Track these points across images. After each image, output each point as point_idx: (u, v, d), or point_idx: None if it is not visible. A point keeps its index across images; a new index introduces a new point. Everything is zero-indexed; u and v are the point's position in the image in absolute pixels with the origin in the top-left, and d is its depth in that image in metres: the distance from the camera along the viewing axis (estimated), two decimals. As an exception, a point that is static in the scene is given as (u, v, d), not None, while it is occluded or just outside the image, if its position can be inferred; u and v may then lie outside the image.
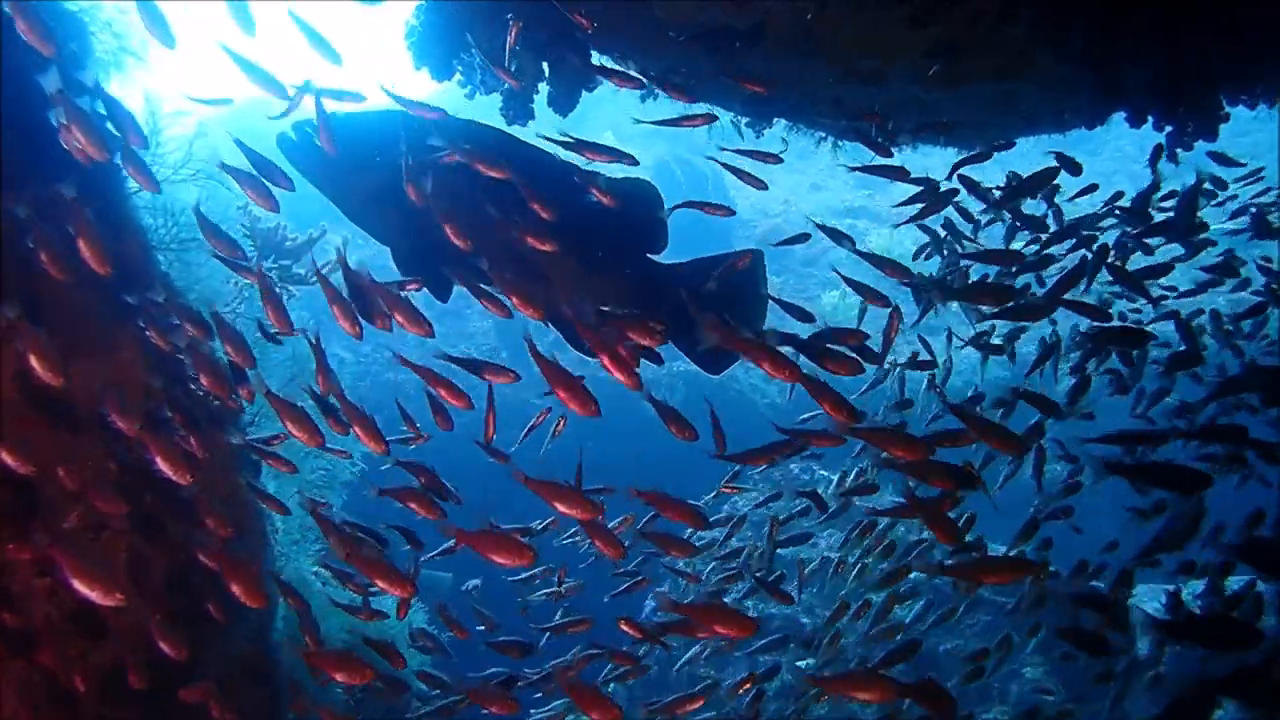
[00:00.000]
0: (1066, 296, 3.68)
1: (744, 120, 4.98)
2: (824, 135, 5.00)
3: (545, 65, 4.42)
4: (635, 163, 3.79)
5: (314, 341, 3.34)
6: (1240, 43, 2.92)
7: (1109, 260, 3.86)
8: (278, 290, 4.63)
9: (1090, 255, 3.94)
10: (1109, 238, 4.37)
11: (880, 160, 4.01)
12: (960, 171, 4.18)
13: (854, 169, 4.04)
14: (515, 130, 4.35)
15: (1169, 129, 3.23)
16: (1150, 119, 3.21)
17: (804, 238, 4.66)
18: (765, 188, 4.19)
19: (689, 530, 4.55)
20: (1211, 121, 3.10)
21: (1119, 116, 3.94)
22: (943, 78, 3.90)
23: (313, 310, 5.67)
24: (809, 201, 15.24)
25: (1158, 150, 3.44)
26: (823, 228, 4.22)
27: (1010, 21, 3.42)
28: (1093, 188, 4.65)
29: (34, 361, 2.73)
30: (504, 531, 3.10)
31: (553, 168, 3.93)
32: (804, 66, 3.88)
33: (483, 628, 4.69)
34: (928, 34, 3.60)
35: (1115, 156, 15.18)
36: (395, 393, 11.60)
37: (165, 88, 3.79)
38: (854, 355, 3.22)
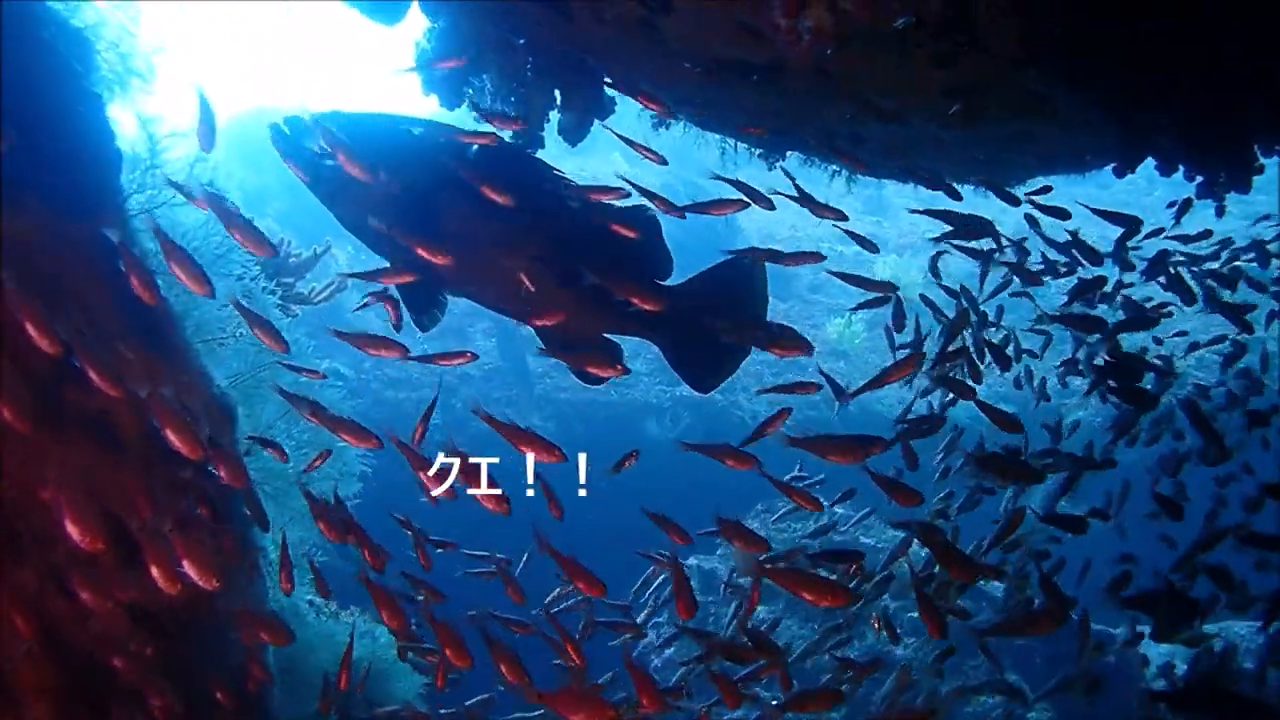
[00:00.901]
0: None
1: (757, 152, 4.91)
2: (838, 170, 4.92)
3: (557, 93, 4.36)
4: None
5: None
6: (1277, 91, 2.84)
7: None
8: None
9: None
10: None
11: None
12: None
13: (919, 211, 4.00)
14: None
15: (1199, 180, 3.15)
16: (1181, 169, 3.13)
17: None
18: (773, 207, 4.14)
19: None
20: (1244, 173, 3.01)
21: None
22: (961, 117, 3.83)
23: (313, 328, 5.58)
24: (817, 228, 15.17)
25: (1185, 204, 3.37)
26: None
27: (1033, 64, 3.34)
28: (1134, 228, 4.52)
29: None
30: (585, 690, 3.08)
31: (559, 188, 3.86)
32: (822, 102, 3.81)
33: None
34: (948, 74, 3.52)
35: (1128, 189, 15.10)
36: (394, 411, 11.51)
37: (166, 108, 3.72)
38: None
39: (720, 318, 4.05)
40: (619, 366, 3.42)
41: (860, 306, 4.37)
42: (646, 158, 3.79)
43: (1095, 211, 4.23)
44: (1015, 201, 4.00)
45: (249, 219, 2.92)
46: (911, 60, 3.39)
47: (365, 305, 3.62)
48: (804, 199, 3.60)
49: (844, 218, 3.63)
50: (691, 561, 9.47)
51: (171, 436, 2.73)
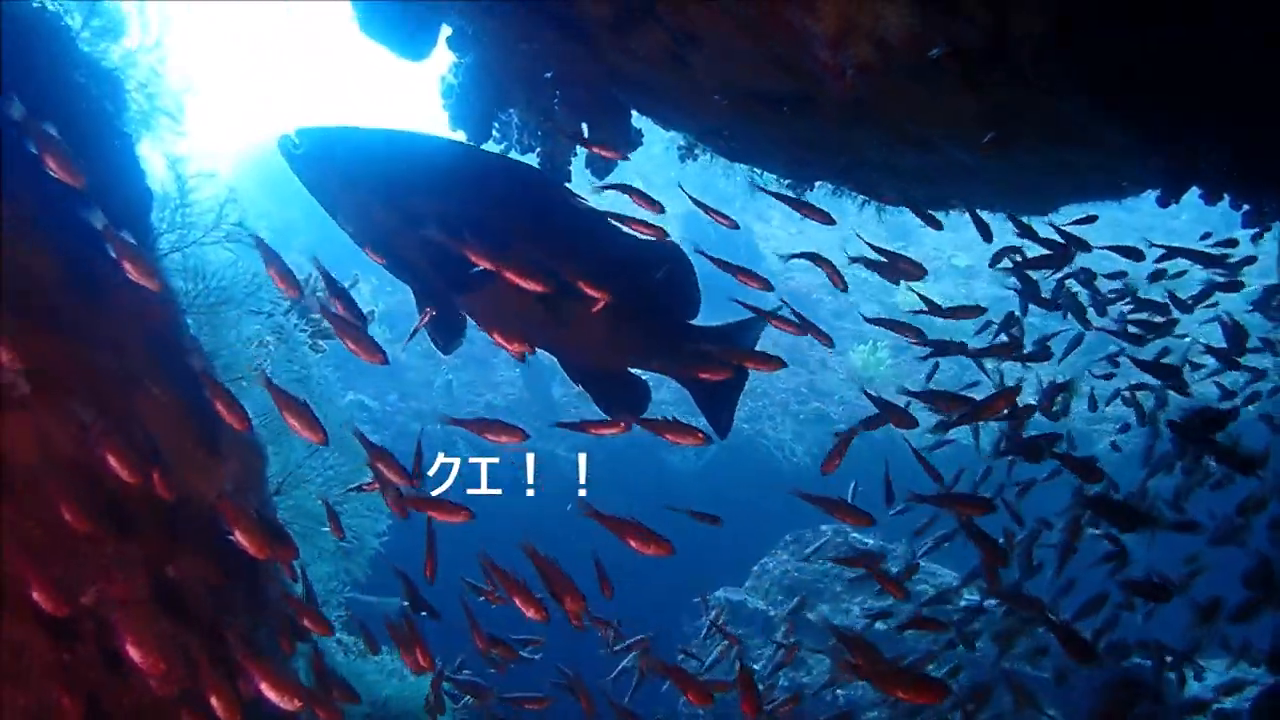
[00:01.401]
0: None
1: (786, 182, 4.87)
2: (866, 199, 4.87)
3: (584, 126, 4.34)
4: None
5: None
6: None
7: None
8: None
9: None
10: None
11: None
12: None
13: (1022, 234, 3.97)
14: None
15: (1246, 208, 3.08)
16: (1226, 197, 3.06)
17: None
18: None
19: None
20: (1293, 201, 2.95)
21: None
22: (997, 145, 3.77)
23: (338, 360, 5.56)
24: (840, 254, 15.11)
25: (1229, 243, 3.31)
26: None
27: (1071, 91, 3.28)
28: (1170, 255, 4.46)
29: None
30: None
31: (589, 220, 3.83)
32: (854, 131, 3.77)
33: None
34: (982, 101, 3.47)
35: (1153, 212, 14.95)
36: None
37: (194, 147, 3.73)
38: None
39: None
40: (699, 435, 3.41)
41: (927, 350, 4.25)
42: (720, 222, 3.77)
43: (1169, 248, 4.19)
44: (1086, 247, 3.93)
45: (363, 328, 2.98)
46: (947, 88, 3.34)
47: (411, 338, 3.60)
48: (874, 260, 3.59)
49: (923, 273, 3.61)
50: (720, 594, 9.37)
51: (241, 539, 2.74)
